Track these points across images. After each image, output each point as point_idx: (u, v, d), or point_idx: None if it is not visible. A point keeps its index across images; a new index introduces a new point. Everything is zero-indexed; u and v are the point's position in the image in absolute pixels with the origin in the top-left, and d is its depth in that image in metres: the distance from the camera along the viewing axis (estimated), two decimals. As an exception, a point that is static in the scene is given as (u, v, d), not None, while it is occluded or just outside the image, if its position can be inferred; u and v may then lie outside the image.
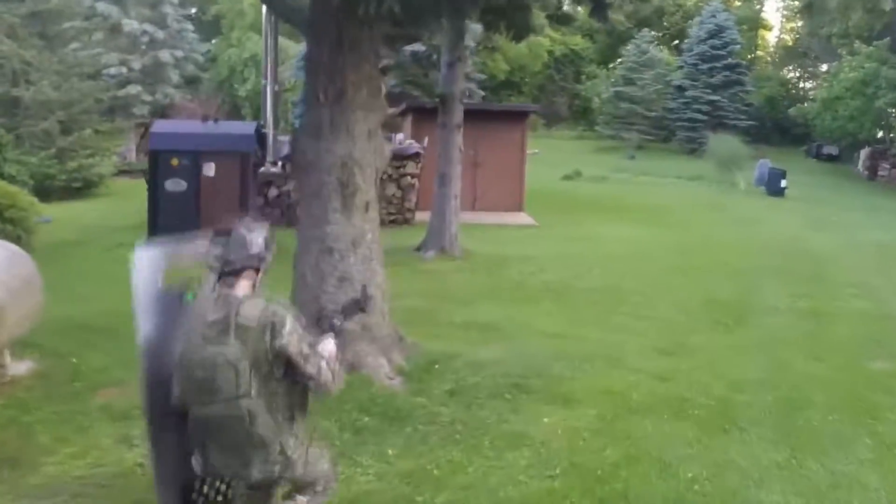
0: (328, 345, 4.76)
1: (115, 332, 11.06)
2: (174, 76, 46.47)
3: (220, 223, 4.81)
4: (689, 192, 34.49)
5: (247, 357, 4.33)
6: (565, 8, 20.13)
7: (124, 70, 43.36)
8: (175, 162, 19.53)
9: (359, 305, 5.41)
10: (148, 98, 43.85)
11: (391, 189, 23.39)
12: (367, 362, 9.06)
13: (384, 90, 9.65)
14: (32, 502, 6.44)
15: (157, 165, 19.81)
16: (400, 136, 25.30)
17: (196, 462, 4.56)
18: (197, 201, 19.47)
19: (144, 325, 4.90)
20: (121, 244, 20.37)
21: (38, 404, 8.34)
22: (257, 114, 39.44)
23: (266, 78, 22.19)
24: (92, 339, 10.76)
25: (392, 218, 23.28)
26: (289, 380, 4.49)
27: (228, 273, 4.55)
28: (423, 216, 21.21)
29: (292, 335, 4.43)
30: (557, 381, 9.20)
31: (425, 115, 22.84)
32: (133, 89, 43.06)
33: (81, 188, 33.30)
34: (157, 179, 19.80)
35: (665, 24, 72.73)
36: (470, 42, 21.09)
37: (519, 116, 27.71)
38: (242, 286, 4.54)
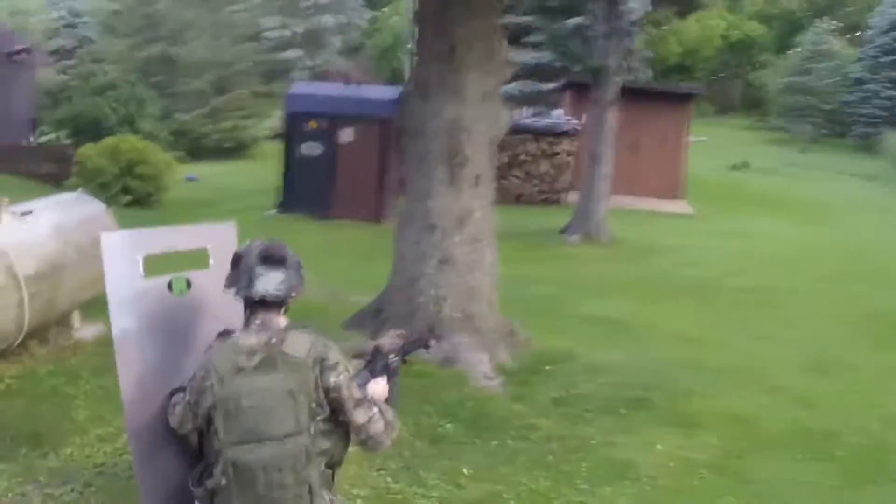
0: (378, 387, 3.83)
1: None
2: (336, 42, 46.05)
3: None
4: (862, 192, 31.77)
5: (301, 390, 3.49)
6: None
7: (286, 33, 43.11)
8: (312, 125, 18.82)
9: (422, 343, 4.48)
10: (308, 63, 43.51)
11: (544, 166, 22.47)
12: (464, 357, 7.94)
13: (503, 50, 8.44)
14: (38, 489, 5.61)
15: (293, 128, 19.17)
16: (558, 112, 24.12)
17: None
18: (333, 167, 18.70)
19: (121, 318, 4.03)
20: (248, 207, 19.97)
21: (87, 375, 7.55)
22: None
23: (410, 40, 21.30)
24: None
25: (543, 196, 22.41)
26: (331, 426, 3.61)
27: (272, 303, 3.64)
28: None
29: (343, 375, 3.55)
30: (682, 398, 7.84)
31: (585, 91, 21.60)
32: (293, 53, 42.78)
33: (234, 149, 33.21)
34: (292, 143, 19.16)
35: (844, 13, 68.80)
36: (632, 15, 19.66)
37: (682, 99, 25.89)
38: (280, 314, 3.69)
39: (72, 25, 50.89)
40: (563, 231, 17.78)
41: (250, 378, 3.47)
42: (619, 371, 8.40)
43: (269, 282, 3.57)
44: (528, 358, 8.44)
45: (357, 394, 3.60)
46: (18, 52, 24.93)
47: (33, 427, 6.43)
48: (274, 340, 3.53)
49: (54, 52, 49.15)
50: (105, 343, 8.31)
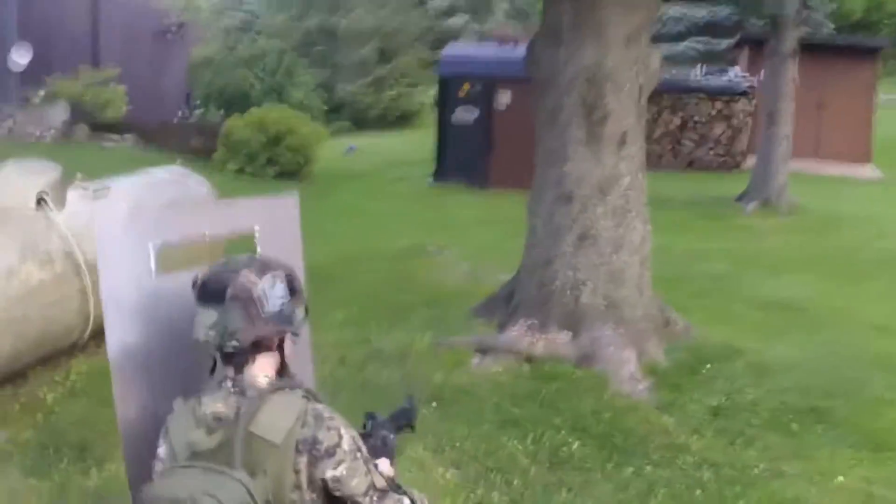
0: (384, 468, 2.79)
1: (335, 282, 9.35)
2: (504, 6, 44.59)
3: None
4: None
5: (260, 498, 2.44)
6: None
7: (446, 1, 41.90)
8: (465, 88, 17.63)
9: (406, 419, 3.18)
10: (475, 28, 42.21)
11: (720, 128, 20.77)
12: (605, 354, 6.59)
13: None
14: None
15: (447, 93, 18.07)
16: (734, 69, 22.24)
17: None
18: (489, 134, 17.46)
19: (120, 329, 2.88)
20: (405, 177, 18.95)
21: None
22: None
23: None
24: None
25: (720, 161, 20.86)
26: None
27: (233, 353, 2.58)
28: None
29: (352, 463, 2.53)
30: (872, 408, 6.22)
31: (762, 48, 19.76)
32: (459, 19, 41.54)
33: (398, 118, 32.42)
34: (446, 109, 18.05)
35: None
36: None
37: (868, 54, 23.47)
38: (262, 366, 2.63)
39: (239, 1, 51.33)
40: (739, 199, 16.10)
41: (194, 479, 2.44)
42: (794, 372, 6.83)
43: (200, 323, 2.57)
44: (684, 354, 6.97)
45: (380, 482, 2.60)
46: (171, 29, 24.57)
47: (83, 436, 5.56)
48: (243, 411, 2.49)
49: (221, 31, 49.61)
50: None
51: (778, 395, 6.31)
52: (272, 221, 3.18)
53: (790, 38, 15.81)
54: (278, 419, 2.50)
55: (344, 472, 2.50)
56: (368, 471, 2.57)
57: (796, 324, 8.51)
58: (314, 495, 2.52)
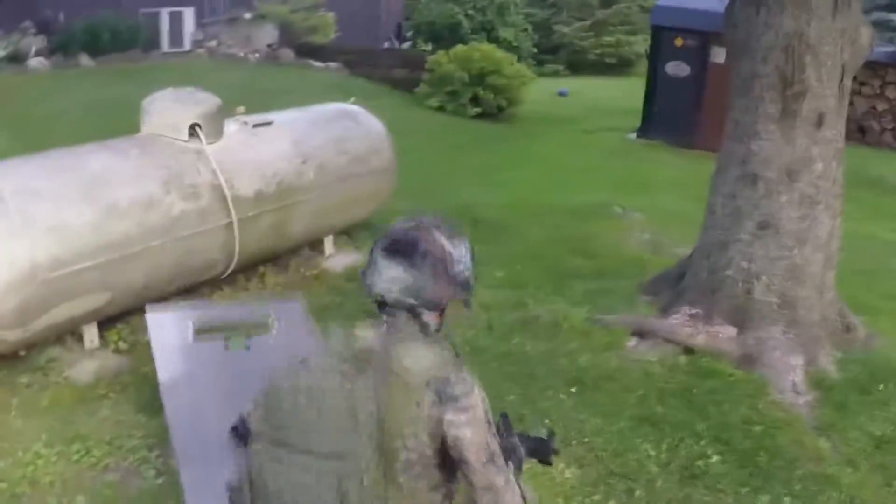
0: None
1: (504, 235, 8.97)
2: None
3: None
4: None
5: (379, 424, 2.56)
6: None
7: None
8: (679, 42, 16.78)
9: (542, 453, 3.01)
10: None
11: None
12: (770, 358, 5.93)
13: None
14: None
15: (658, 45, 17.29)
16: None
17: None
18: (700, 91, 16.56)
19: (169, 367, 4.10)
20: (609, 128, 18.25)
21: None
22: None
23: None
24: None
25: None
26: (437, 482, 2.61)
27: (411, 307, 2.66)
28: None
29: (475, 417, 2.54)
30: None
31: None
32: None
33: (615, 65, 31.48)
34: (657, 61, 17.25)
35: None
36: None
37: None
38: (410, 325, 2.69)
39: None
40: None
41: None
42: None
43: (382, 277, 2.63)
44: (859, 368, 6.12)
45: (493, 445, 2.57)
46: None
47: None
48: (390, 349, 2.61)
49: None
50: (352, 275, 7.22)
51: (958, 432, 5.49)
52: (283, 316, 3.96)
53: None
54: (415, 359, 2.58)
55: (464, 420, 2.50)
56: (488, 432, 2.55)
57: None
58: (427, 440, 2.53)
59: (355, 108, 8.14)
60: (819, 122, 6.07)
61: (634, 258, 8.62)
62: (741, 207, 6.23)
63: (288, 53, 21.14)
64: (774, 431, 5.25)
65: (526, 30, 24.30)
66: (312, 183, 6.99)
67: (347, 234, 8.05)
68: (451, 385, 2.54)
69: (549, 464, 3.06)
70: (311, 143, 7.18)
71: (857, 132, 19.25)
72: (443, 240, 2.71)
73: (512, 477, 2.61)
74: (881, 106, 19.32)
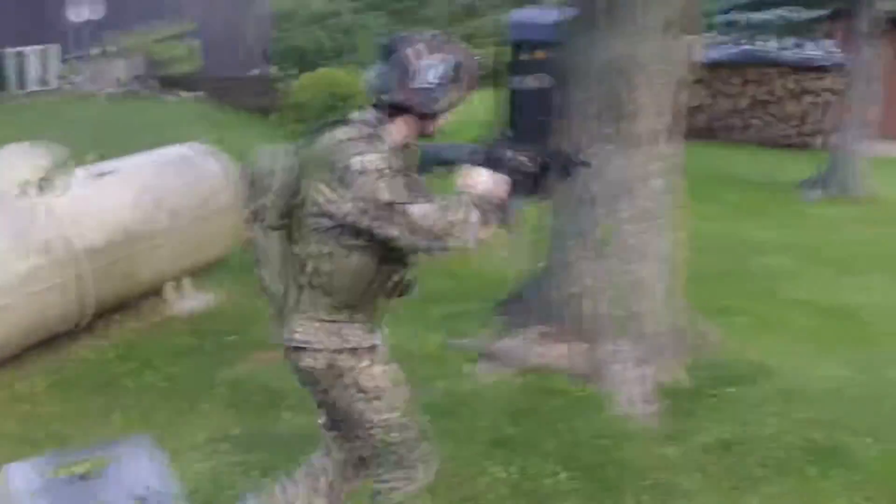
0: (478, 177, 3.19)
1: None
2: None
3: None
4: None
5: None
6: None
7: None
8: (538, 55, 17.11)
9: (564, 164, 3.43)
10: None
11: (802, 105, 19.97)
12: (616, 371, 6.09)
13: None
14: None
15: (517, 57, 17.57)
16: (826, 44, 21.23)
17: None
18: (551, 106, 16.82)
19: None
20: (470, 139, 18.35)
21: (160, 362, 6.45)
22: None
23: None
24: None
25: (800, 139, 20.23)
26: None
27: (378, 105, 3.22)
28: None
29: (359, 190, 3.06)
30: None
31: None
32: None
33: (482, 77, 31.75)
34: (515, 74, 17.57)
35: None
36: None
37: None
38: (398, 127, 3.23)
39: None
40: (808, 184, 15.28)
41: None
42: (829, 400, 6.15)
43: (368, 74, 3.24)
44: (708, 374, 6.33)
45: (385, 196, 3.02)
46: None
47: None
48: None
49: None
50: (207, 318, 7.21)
51: (802, 429, 5.63)
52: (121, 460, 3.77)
53: (868, 17, 14.88)
54: (336, 139, 3.11)
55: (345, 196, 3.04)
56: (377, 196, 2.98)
57: (851, 336, 7.87)
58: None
59: (205, 147, 8.11)
60: (654, 138, 6.26)
61: (497, 278, 8.69)
62: (583, 227, 6.38)
63: (154, 85, 20.93)
64: (623, 444, 5.37)
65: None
66: (162, 228, 6.99)
67: (206, 272, 8.00)
68: (339, 162, 3.04)
69: (569, 174, 3.43)
70: (159, 187, 7.17)
71: (709, 132, 19.91)
72: (420, 52, 3.11)
73: (427, 202, 3.01)
74: (742, 103, 19.99)
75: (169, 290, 7.43)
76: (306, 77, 18.93)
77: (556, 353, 6.26)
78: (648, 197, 6.29)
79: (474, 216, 3.05)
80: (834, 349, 7.38)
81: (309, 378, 3.40)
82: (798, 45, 21.17)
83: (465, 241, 3.04)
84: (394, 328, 6.93)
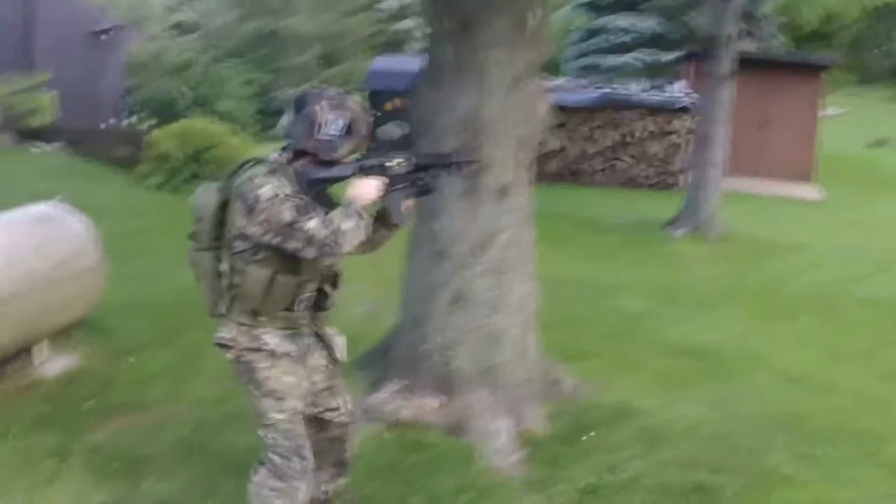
0: (361, 189, 4.08)
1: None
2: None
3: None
4: None
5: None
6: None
7: (395, 3, 41.29)
8: (390, 106, 17.25)
9: (449, 164, 4.46)
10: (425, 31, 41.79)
11: (656, 146, 20.41)
12: (476, 423, 6.13)
13: (541, 20, 6.50)
14: None
15: (376, 107, 17.65)
16: (678, 85, 21.91)
17: None
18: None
19: None
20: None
21: (19, 428, 6.23)
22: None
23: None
24: (181, 325, 8.46)
25: (654, 181, 20.55)
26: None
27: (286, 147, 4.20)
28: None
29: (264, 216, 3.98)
30: (763, 486, 5.75)
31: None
32: (410, 23, 41.00)
33: (342, 126, 31.93)
34: (375, 123, 17.59)
35: None
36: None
37: (813, 71, 23.19)
38: (302, 164, 4.19)
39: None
40: (669, 224, 15.67)
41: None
42: (688, 438, 6.32)
43: (285, 118, 4.65)
44: (568, 420, 6.44)
45: (286, 217, 3.91)
46: (106, 31, 23.98)
47: None
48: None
49: (174, 27, 48.83)
50: (69, 381, 7.03)
51: (662, 470, 5.78)
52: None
53: (727, 60, 15.37)
54: (248, 176, 4.04)
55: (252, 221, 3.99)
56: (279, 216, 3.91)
57: (706, 374, 8.08)
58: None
59: (59, 207, 7.91)
60: (502, 193, 6.37)
61: (355, 333, 8.65)
62: (434, 283, 6.44)
63: (8, 137, 20.39)
64: (485, 496, 5.40)
65: (249, 97, 24.19)
66: (14, 293, 6.75)
67: (65, 334, 7.81)
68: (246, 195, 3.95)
69: (460, 170, 4.51)
70: (11, 251, 6.94)
71: (571, 175, 20.29)
72: (324, 108, 4.07)
73: (316, 219, 3.89)
74: (591, 149, 20.40)
75: (26, 355, 7.22)
76: (167, 128, 18.73)
77: (414, 408, 6.27)
78: (500, 249, 6.38)
79: (347, 223, 3.90)
80: (688, 388, 7.56)
81: (232, 372, 4.28)
82: (657, 87, 21.81)
83: (342, 245, 3.91)
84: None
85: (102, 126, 22.74)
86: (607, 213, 16.98)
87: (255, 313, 4.12)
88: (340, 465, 4.74)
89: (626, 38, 27.68)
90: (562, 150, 20.37)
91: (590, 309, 10.10)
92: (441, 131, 6.29)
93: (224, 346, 4.20)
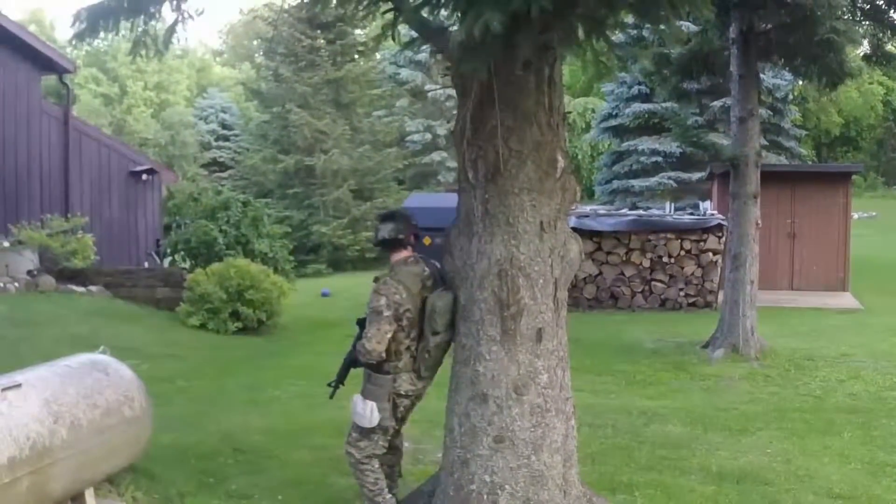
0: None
1: (265, 457, 8.97)
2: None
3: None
4: None
5: None
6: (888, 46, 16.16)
7: (428, 136, 42.19)
8: (428, 241, 17.44)
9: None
10: (452, 165, 42.54)
11: (690, 267, 20.46)
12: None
13: (565, 164, 6.73)
14: None
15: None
16: (706, 204, 22.11)
17: None
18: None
19: None
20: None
21: None
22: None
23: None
24: (227, 471, 8.66)
25: (691, 301, 20.57)
26: None
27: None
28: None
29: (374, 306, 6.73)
30: None
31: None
32: (437, 156, 41.80)
33: (375, 259, 32.31)
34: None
35: None
36: (779, 93, 17.78)
37: (840, 178, 23.19)
38: (394, 256, 7.02)
39: (224, 138, 51.57)
40: (706, 345, 15.67)
41: None
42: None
43: (381, 228, 6.99)
44: None
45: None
46: (144, 172, 24.63)
47: None
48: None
49: (207, 165, 49.96)
50: None
51: None
52: None
53: (752, 179, 15.52)
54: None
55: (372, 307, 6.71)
56: (377, 313, 6.70)
57: (750, 499, 8.08)
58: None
59: (105, 358, 8.11)
60: (538, 336, 6.52)
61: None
62: (476, 425, 6.57)
63: (49, 280, 20.78)
64: None
65: (282, 237, 24.60)
66: (66, 441, 6.88)
67: (110, 481, 7.93)
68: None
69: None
70: (61, 400, 7.08)
71: (610, 299, 20.44)
72: (383, 225, 6.91)
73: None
74: (628, 271, 20.55)
75: (87, 497, 7.32)
76: (208, 268, 19.27)
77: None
78: (537, 392, 6.51)
79: None
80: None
81: None
82: (691, 206, 22.01)
83: None
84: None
85: (142, 266, 23.15)
86: (645, 336, 17.02)
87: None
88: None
89: (656, 159, 28.19)
90: (598, 274, 20.61)
91: (631, 437, 10.10)
92: (478, 278, 6.49)
93: None
